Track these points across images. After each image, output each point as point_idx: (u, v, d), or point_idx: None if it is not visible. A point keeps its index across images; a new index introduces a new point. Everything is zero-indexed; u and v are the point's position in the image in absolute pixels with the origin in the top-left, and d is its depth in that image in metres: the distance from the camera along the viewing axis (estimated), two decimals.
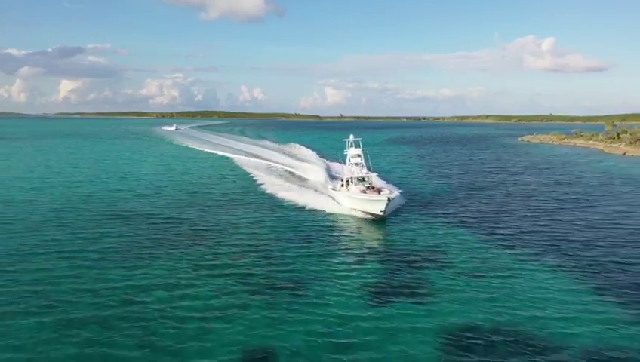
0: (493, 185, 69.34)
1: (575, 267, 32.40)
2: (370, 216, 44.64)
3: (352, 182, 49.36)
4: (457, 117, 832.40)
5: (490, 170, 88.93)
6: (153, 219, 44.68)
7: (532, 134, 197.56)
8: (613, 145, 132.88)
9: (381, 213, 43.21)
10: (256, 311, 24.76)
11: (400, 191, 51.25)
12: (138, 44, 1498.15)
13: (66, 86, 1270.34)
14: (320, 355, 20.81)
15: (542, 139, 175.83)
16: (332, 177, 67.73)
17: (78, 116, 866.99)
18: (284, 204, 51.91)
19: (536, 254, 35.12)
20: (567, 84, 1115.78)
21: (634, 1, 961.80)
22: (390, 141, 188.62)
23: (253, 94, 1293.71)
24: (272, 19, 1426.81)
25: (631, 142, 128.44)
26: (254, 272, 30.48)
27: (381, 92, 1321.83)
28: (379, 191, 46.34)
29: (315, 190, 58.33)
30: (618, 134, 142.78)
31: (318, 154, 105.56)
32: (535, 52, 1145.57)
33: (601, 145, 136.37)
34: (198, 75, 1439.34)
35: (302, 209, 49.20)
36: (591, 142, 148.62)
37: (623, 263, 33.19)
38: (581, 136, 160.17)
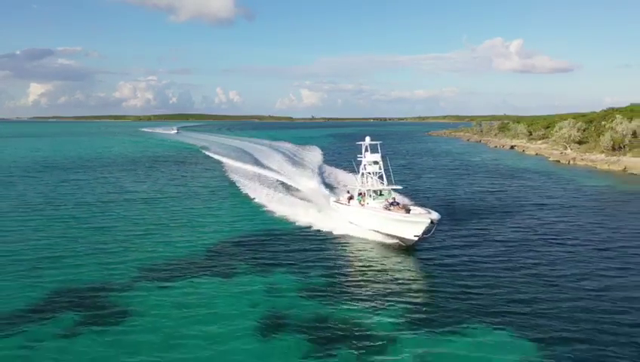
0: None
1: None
2: (394, 241, 36.02)
3: (368, 195, 40.22)
4: (419, 117, 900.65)
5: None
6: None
7: (438, 130, 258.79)
8: (474, 135, 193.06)
9: (415, 239, 34.24)
10: None
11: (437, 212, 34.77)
12: (109, 47, 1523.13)
13: (36, 89, 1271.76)
14: None
15: (439, 133, 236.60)
16: (327, 186, 61.01)
17: (54, 120, 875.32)
18: (274, 217, 44.69)
19: None
20: (537, 85, 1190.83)
21: (596, 5, 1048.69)
22: (329, 135, 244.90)
23: (228, 96, 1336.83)
24: (241, 23, 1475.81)
25: (484, 134, 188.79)
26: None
27: (356, 93, 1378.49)
28: (407, 209, 36.49)
29: (310, 202, 50.51)
30: (482, 130, 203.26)
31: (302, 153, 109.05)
32: (503, 53, 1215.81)
33: (465, 137, 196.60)
34: (171, 77, 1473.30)
35: (299, 227, 41.09)
36: (466, 134, 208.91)
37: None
38: (461, 131, 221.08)
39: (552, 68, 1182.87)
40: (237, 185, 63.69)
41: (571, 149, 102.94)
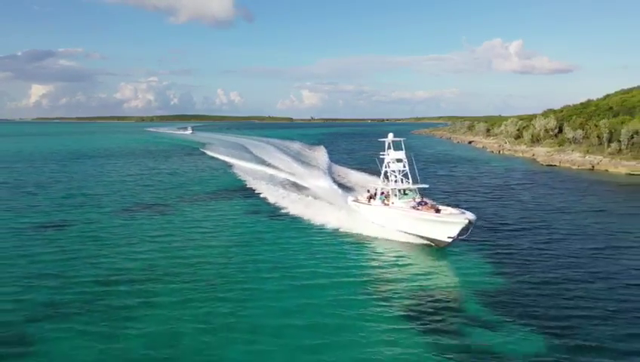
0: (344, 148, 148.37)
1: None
2: (424, 242, 34.47)
3: (393, 194, 38.05)
4: (414, 118, 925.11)
5: (354, 147, 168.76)
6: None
7: (420, 129, 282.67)
8: (447, 133, 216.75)
9: (448, 241, 32.48)
10: None
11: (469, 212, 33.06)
12: (110, 48, 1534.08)
13: (38, 90, 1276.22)
14: None
15: (420, 132, 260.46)
16: (341, 186, 60.23)
17: (57, 121, 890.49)
18: (290, 219, 43.66)
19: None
20: (536, 85, 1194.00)
21: (595, 6, 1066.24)
22: (324, 133, 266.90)
23: (229, 97, 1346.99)
24: (241, 24, 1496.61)
25: (455, 132, 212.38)
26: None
27: (357, 94, 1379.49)
28: (437, 209, 34.37)
29: (327, 202, 48.88)
30: (455, 128, 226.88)
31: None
32: (503, 54, 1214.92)
33: (440, 134, 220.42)
34: (172, 78, 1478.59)
35: (317, 227, 39.93)
36: (442, 132, 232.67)
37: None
38: (439, 130, 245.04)
39: (552, 69, 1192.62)
40: (246, 179, 67.26)
41: (508, 143, 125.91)
